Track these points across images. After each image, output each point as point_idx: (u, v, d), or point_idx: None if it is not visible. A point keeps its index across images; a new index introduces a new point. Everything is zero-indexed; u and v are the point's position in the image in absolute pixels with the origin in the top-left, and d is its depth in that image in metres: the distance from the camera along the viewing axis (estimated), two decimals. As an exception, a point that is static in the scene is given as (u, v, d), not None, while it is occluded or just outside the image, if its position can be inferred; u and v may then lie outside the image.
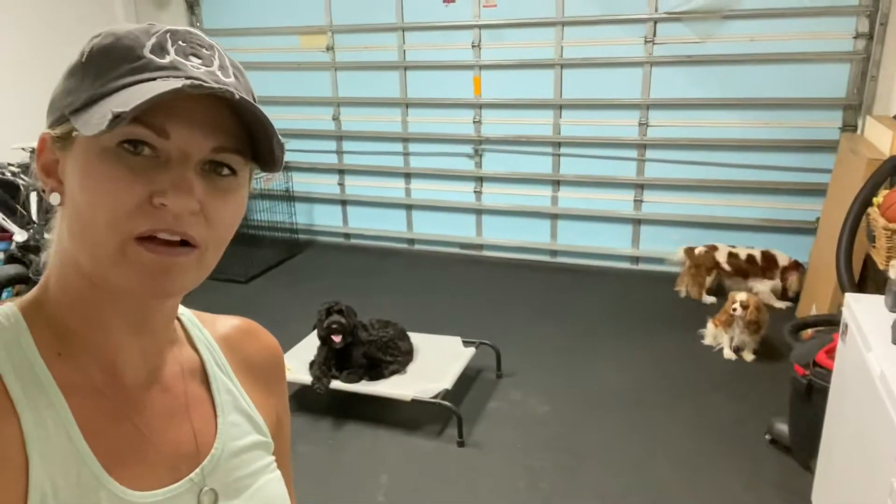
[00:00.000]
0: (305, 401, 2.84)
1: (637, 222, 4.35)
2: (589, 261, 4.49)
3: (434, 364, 2.85)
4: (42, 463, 0.51)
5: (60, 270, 0.57)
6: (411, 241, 4.96)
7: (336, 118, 4.83)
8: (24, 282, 3.01)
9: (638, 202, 4.30)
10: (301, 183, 4.96)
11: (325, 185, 5.03)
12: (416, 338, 3.03)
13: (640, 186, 4.26)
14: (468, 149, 4.59)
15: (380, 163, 4.83)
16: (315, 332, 2.78)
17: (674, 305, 3.80)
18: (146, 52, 0.51)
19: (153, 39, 0.52)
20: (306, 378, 2.73)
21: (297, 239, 4.92)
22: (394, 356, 2.84)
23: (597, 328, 3.51)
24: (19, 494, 0.49)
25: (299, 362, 2.82)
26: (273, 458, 0.69)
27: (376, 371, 2.77)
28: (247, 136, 0.55)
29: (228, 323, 0.72)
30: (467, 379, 2.99)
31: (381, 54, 4.59)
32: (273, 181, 4.64)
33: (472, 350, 2.96)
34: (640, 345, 3.31)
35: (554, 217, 4.52)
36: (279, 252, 4.70)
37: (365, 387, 2.70)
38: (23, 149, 3.74)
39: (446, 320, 3.59)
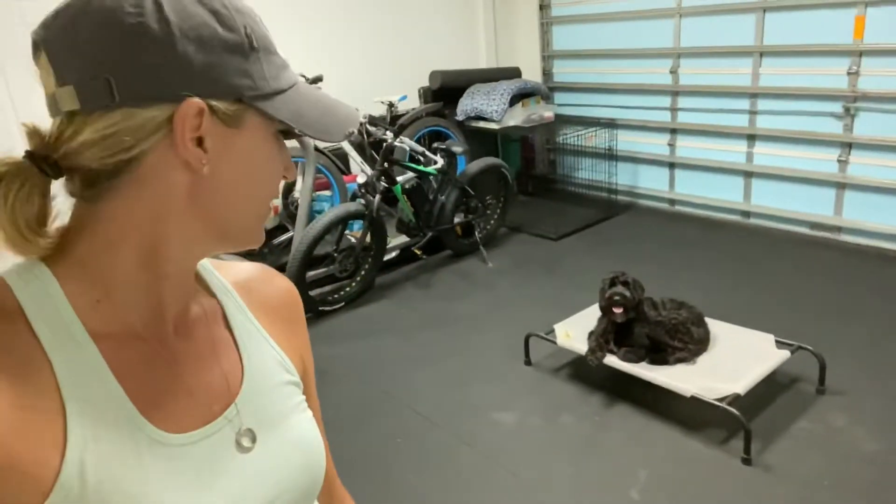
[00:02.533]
0: (579, 371, 2.72)
1: None
2: None
3: (731, 361, 2.43)
4: (79, 409, 0.51)
5: (139, 231, 0.55)
6: (746, 214, 4.31)
7: (674, 71, 4.39)
8: (362, 217, 3.49)
9: None
10: (626, 141, 4.69)
11: (654, 144, 4.66)
12: (715, 326, 2.62)
13: None
14: (835, 106, 3.72)
15: (719, 122, 4.26)
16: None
17: None
18: (274, 45, 0.58)
19: (265, 27, 0.58)
20: (583, 347, 2.59)
21: (616, 200, 4.70)
22: (683, 342, 2.50)
23: None
24: (58, 442, 0.50)
25: (580, 330, 2.69)
26: (303, 397, 0.70)
27: (660, 355, 2.48)
28: None
29: (242, 268, 0.72)
30: (774, 386, 2.49)
31: (735, -5, 3.97)
32: (595, 138, 4.48)
33: (786, 353, 2.44)
34: None
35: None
36: (595, 212, 4.56)
37: (642, 369, 2.44)
38: (382, 102, 4.30)
39: (763, 312, 3.03)
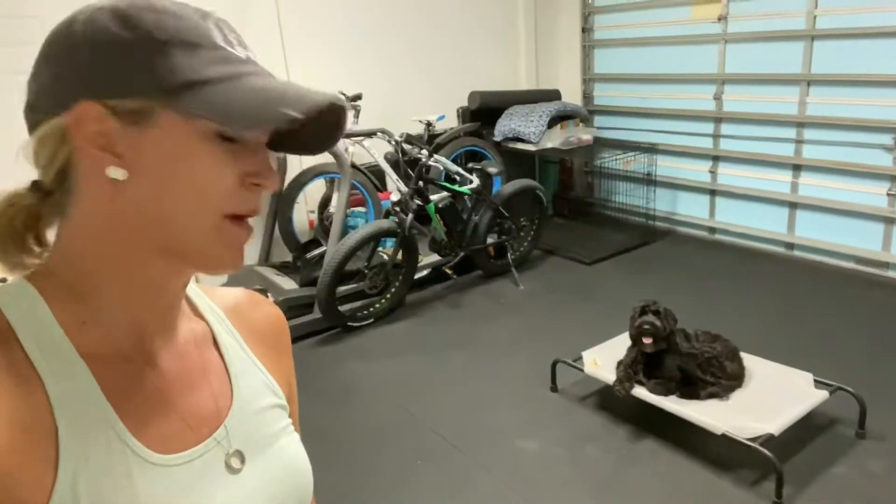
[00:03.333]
0: (606, 400, 2.66)
1: None
2: None
3: (766, 399, 2.34)
4: (71, 430, 0.51)
5: (89, 244, 0.56)
6: (790, 246, 4.18)
7: (718, 97, 4.31)
8: (395, 235, 3.50)
9: None
10: (666, 167, 4.62)
11: (694, 171, 4.57)
12: (751, 361, 2.53)
13: None
14: (886, 138, 3.59)
15: (764, 150, 4.16)
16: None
17: None
18: (218, 41, 0.54)
19: (211, 24, 0.54)
20: (610, 377, 2.53)
21: (654, 226, 4.61)
22: (716, 377, 2.42)
23: None
24: (51, 462, 0.50)
25: (608, 359, 2.63)
26: (290, 420, 0.70)
27: (690, 389, 2.41)
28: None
29: (231, 293, 0.73)
30: (810, 428, 2.38)
31: (782, 22, 3.88)
32: (634, 163, 4.43)
33: (824, 394, 2.33)
34: None
35: None
36: (631, 237, 4.49)
37: (671, 403, 2.37)
38: (420, 121, 4.33)
39: (802, 349, 2.92)
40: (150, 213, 0.54)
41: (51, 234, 0.58)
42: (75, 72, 0.52)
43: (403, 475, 2.33)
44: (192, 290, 0.69)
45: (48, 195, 0.55)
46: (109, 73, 0.51)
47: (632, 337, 2.51)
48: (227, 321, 0.69)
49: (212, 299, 0.70)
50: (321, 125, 0.58)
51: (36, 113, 0.54)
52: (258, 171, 0.55)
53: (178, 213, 0.54)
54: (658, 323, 2.40)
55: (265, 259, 4.03)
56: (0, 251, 0.55)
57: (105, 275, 0.56)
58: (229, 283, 3.77)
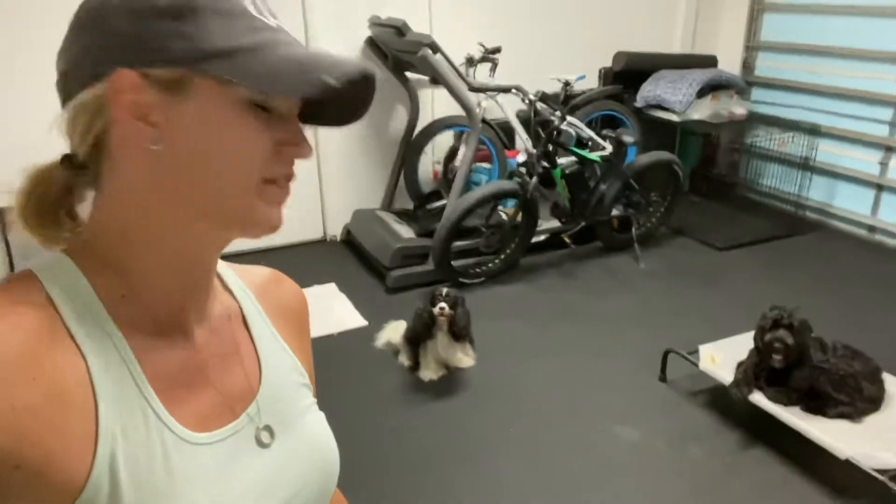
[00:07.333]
0: (717, 400, 2.48)
1: None
2: None
3: (907, 430, 2.08)
4: (110, 406, 0.51)
5: (126, 214, 0.55)
6: (966, 258, 3.64)
7: (903, 80, 3.77)
8: (516, 196, 3.42)
9: None
10: (827, 152, 4.13)
11: (861, 160, 4.06)
12: (895, 385, 2.25)
13: None
14: None
15: (952, 145, 3.61)
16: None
17: None
18: (251, 9, 0.53)
19: None
20: (728, 377, 2.35)
21: (804, 217, 4.18)
22: (850, 397, 2.18)
23: None
24: (90, 437, 0.50)
25: (727, 356, 2.44)
26: (314, 399, 0.71)
27: (817, 403, 2.19)
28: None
29: (258, 272, 0.73)
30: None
31: None
32: (791, 144, 4.00)
33: (982, 435, 2.04)
34: None
35: None
36: (775, 227, 4.10)
37: (793, 416, 2.16)
38: (558, 80, 4.15)
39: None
40: (189, 182, 0.53)
41: (82, 209, 0.58)
42: (111, 40, 0.51)
43: (495, 442, 2.32)
44: (222, 266, 0.69)
45: (81, 168, 0.55)
46: (146, 40, 0.50)
47: (758, 348, 2.30)
48: (254, 299, 0.69)
49: (239, 276, 0.70)
50: (349, 98, 0.56)
51: (70, 83, 0.53)
52: (291, 139, 0.56)
53: (219, 180, 0.54)
54: (791, 341, 2.17)
55: (388, 205, 4.10)
56: (36, 225, 0.56)
57: (142, 246, 0.56)
58: (359, 233, 3.89)
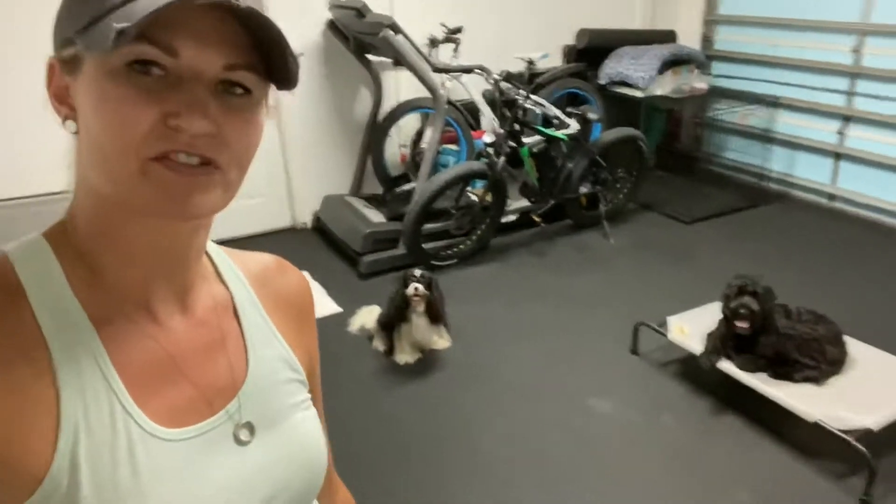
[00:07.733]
0: (688, 370, 2.54)
1: None
2: None
3: (868, 390, 2.15)
4: (73, 396, 0.50)
5: (85, 201, 0.54)
6: (922, 222, 3.77)
7: (857, 50, 3.85)
8: (485, 177, 3.42)
9: None
10: (788, 124, 4.22)
11: (819, 130, 4.15)
12: (856, 347, 2.33)
13: None
14: None
15: (905, 112, 3.71)
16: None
17: None
18: None
19: None
20: (697, 346, 2.40)
21: (766, 188, 4.28)
22: (815, 361, 2.25)
23: None
24: (50, 427, 0.48)
25: (696, 327, 2.50)
26: (308, 395, 0.68)
27: (784, 369, 2.25)
28: (259, 51, 0.51)
29: (258, 259, 0.70)
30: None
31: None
32: (752, 117, 4.07)
33: (938, 392, 2.12)
34: None
35: None
36: (738, 198, 4.18)
37: (761, 383, 2.22)
38: (521, 59, 4.14)
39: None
40: (95, 165, 0.51)
41: None
42: (53, 31, 0.53)
43: (474, 424, 2.34)
44: (217, 252, 0.66)
45: None
46: (59, 23, 0.52)
47: (725, 315, 2.35)
48: (250, 288, 0.66)
49: (237, 263, 0.67)
50: (274, 50, 0.50)
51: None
52: (178, 109, 0.48)
53: (108, 160, 0.49)
54: (755, 307, 2.23)
55: (357, 190, 4.07)
56: None
57: (101, 234, 0.55)
58: (329, 220, 3.84)
